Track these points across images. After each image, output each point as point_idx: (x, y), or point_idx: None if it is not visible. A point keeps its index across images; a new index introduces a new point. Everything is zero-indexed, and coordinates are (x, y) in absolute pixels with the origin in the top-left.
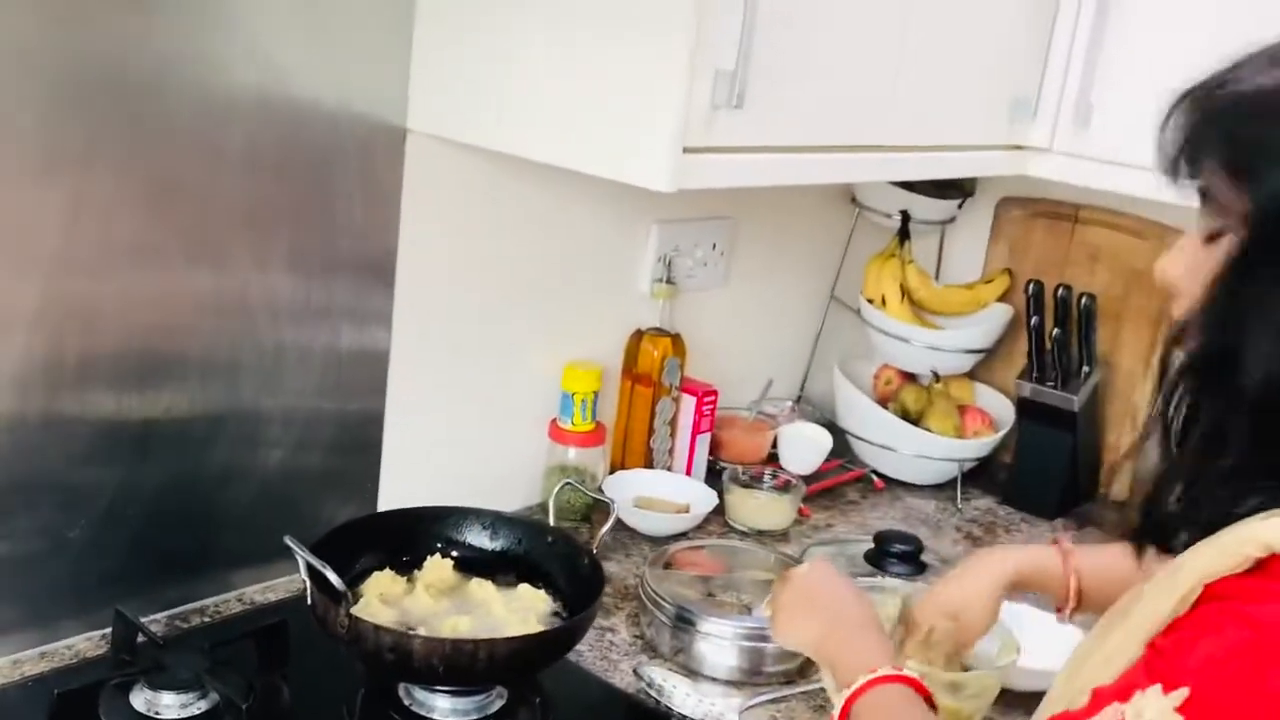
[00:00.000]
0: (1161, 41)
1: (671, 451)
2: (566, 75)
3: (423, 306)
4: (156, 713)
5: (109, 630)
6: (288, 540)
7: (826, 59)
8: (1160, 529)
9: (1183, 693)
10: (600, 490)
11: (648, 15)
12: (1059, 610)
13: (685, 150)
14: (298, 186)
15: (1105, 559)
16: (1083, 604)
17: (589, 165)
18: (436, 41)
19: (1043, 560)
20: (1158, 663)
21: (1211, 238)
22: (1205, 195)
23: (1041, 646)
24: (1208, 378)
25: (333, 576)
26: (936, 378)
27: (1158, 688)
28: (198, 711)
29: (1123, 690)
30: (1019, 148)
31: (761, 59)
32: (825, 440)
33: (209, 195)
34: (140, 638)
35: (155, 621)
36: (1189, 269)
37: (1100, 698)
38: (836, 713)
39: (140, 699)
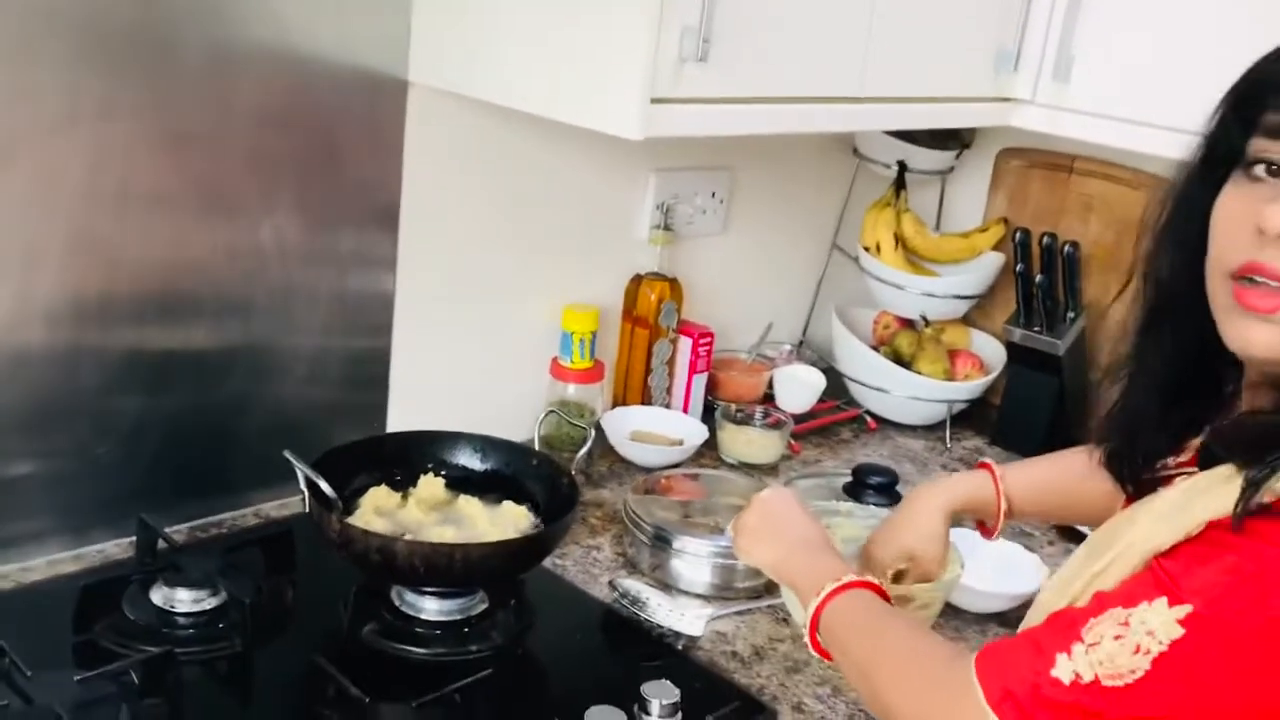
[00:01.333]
0: None
1: (669, 390)
2: (547, 29)
3: (427, 251)
4: (172, 606)
5: (134, 537)
6: (287, 454)
7: (793, 13)
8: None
9: (1186, 608)
10: (596, 423)
11: None
12: (983, 528)
13: (654, 101)
14: (305, 136)
15: (1033, 474)
16: (1013, 518)
17: (567, 114)
18: None
19: (977, 488)
20: (1162, 578)
21: None
22: None
23: (981, 566)
24: None
25: (325, 485)
26: (926, 322)
27: (1163, 600)
28: (209, 606)
29: (1127, 597)
30: (1004, 100)
31: (725, 14)
32: (818, 381)
33: (221, 144)
34: (161, 543)
35: (177, 532)
36: None
37: (1103, 601)
38: (808, 618)
39: (159, 595)
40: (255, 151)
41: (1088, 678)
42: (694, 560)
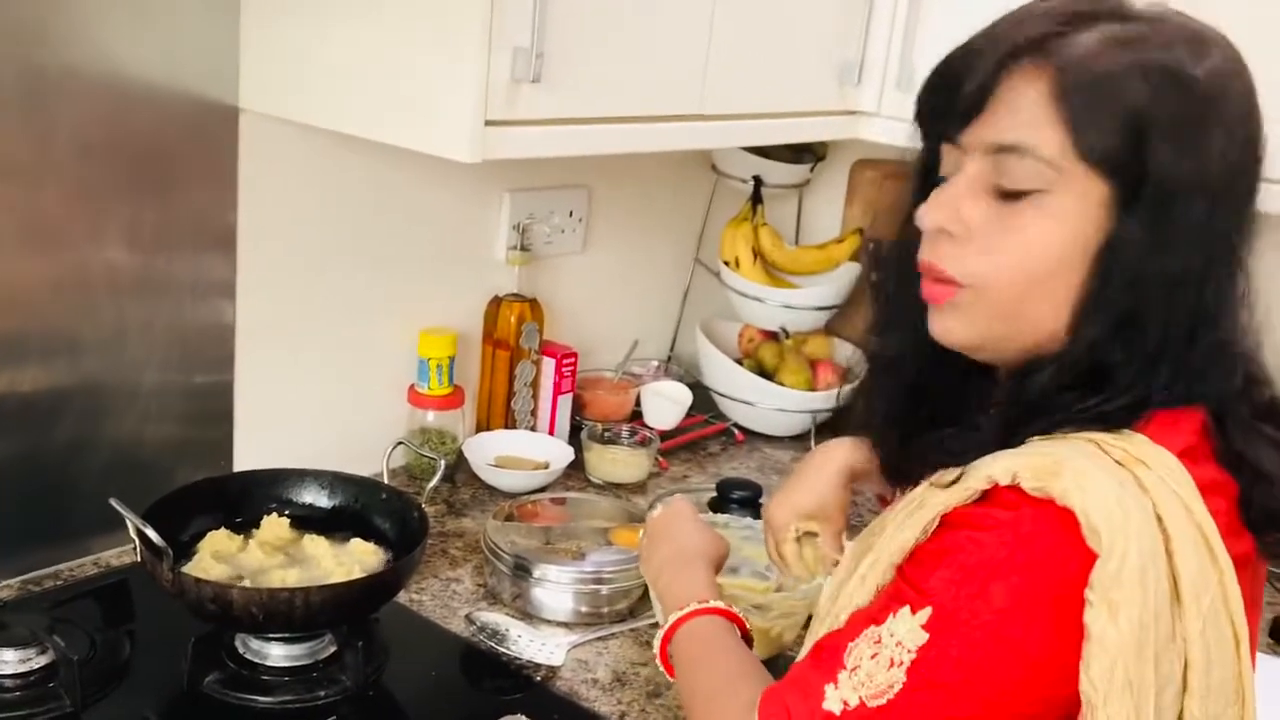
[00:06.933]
0: (978, 4)
1: (534, 412)
2: (376, 53)
3: (269, 279)
4: None
5: None
6: (113, 502)
7: (628, 32)
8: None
9: (927, 611)
10: (458, 450)
11: None
12: (883, 501)
13: (488, 123)
14: (132, 165)
15: None
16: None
17: (401, 138)
18: (261, 21)
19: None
20: (904, 588)
21: (1014, 195)
22: (1014, 150)
23: None
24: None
25: (153, 534)
26: (787, 334)
27: (906, 609)
28: (37, 666)
29: (878, 615)
30: (850, 112)
31: (558, 35)
32: (684, 397)
33: (39, 174)
34: None
35: (7, 587)
36: (986, 220)
37: (857, 621)
38: (659, 639)
39: None
40: (79, 181)
41: (854, 703)
42: (555, 588)
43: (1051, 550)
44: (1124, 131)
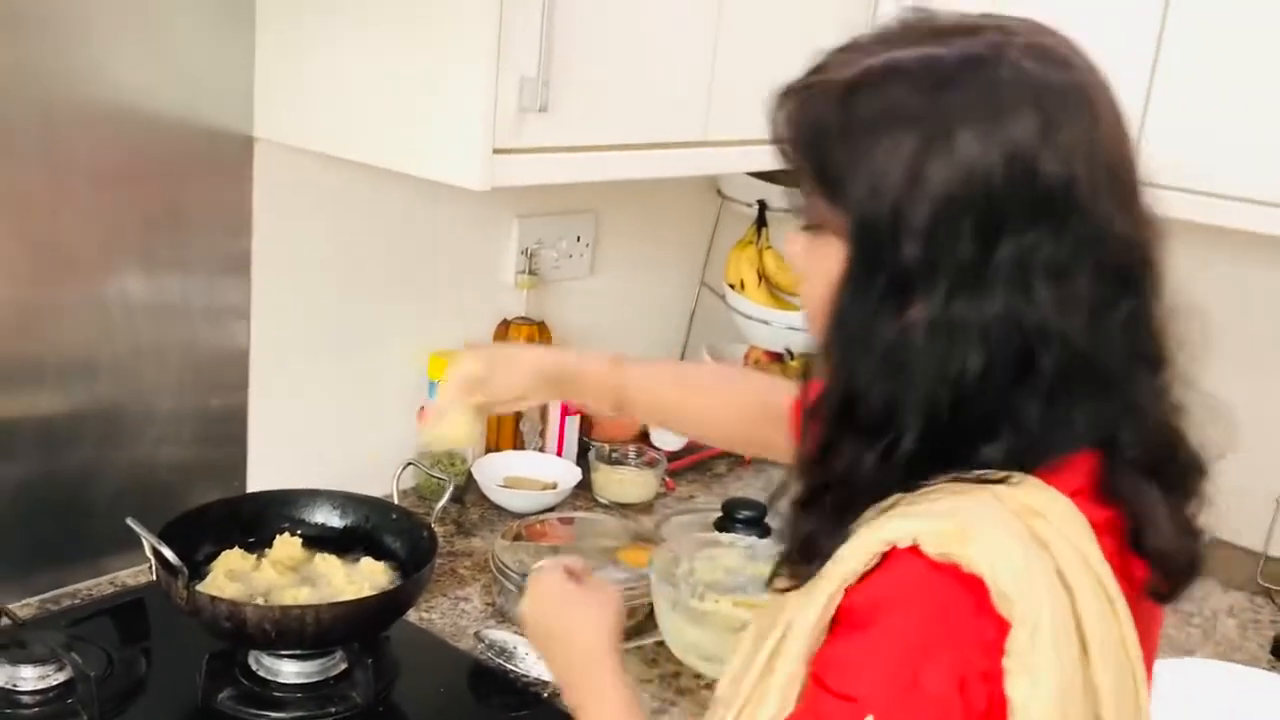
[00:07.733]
0: None
1: (543, 433)
2: (387, 83)
3: (283, 304)
4: (15, 685)
5: None
6: (130, 522)
7: (633, 61)
8: (805, 548)
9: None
10: (467, 471)
11: (453, 28)
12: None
13: (496, 151)
14: (147, 194)
15: (654, 370)
16: (625, 411)
17: (412, 167)
18: (276, 53)
19: (588, 362)
20: (834, 704)
21: (807, 227)
22: (801, 188)
23: None
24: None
25: (168, 553)
26: (791, 356)
27: None
28: (55, 683)
29: None
30: None
31: (564, 64)
32: None
33: (58, 203)
34: (3, 619)
35: (27, 606)
36: (800, 252)
37: None
38: None
39: (1, 674)
40: (96, 211)
41: None
42: None
43: (966, 619)
44: (814, 160)
